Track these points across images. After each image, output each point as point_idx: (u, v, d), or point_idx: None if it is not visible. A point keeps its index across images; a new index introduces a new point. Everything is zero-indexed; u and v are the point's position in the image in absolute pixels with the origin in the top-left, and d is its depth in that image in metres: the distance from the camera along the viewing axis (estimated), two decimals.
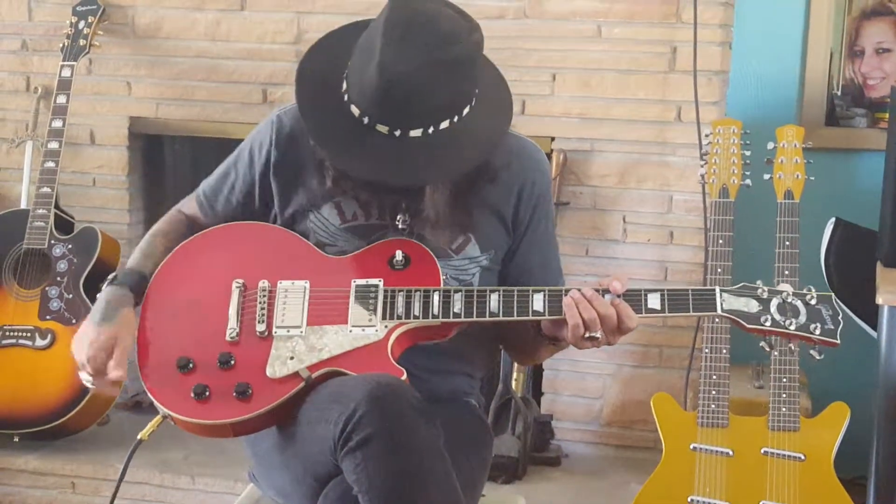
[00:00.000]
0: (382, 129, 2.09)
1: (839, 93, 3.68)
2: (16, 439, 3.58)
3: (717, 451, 3.02)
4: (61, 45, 3.80)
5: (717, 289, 2.10)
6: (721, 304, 2.09)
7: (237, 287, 2.25)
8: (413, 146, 2.10)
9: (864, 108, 3.67)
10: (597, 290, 2.10)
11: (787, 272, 2.98)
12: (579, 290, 2.10)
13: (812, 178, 3.07)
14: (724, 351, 3.03)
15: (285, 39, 3.77)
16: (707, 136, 3.17)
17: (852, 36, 3.66)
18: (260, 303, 2.22)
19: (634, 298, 2.10)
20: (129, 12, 3.87)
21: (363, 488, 1.95)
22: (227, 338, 2.21)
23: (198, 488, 3.46)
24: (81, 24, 3.79)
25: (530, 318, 2.13)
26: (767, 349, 2.16)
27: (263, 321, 2.20)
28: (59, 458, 3.59)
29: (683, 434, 3.05)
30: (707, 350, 3.04)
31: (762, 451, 3.00)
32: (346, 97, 2.13)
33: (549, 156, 3.58)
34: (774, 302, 2.09)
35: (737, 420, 3.04)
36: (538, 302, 2.12)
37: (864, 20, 3.66)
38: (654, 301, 2.10)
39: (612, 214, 3.62)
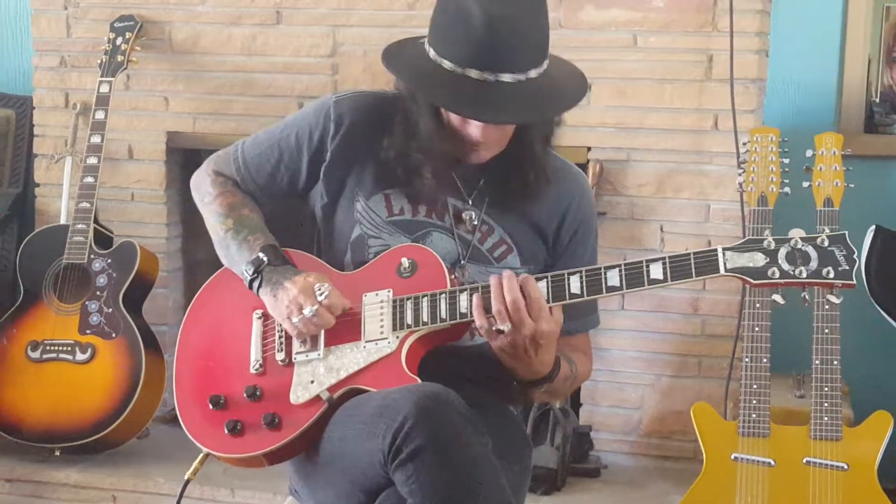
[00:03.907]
0: (473, 73, 2.06)
1: (878, 100, 3.65)
2: (57, 453, 3.60)
3: (758, 461, 3.00)
4: (99, 61, 3.83)
5: (720, 248, 2.00)
6: (724, 264, 1.99)
7: (258, 318, 2.28)
8: (505, 91, 2.06)
9: None
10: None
11: None
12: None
13: (851, 186, 3.05)
14: (765, 360, 3.00)
15: (321, 53, 3.78)
16: (745, 144, 3.15)
17: (890, 43, 3.64)
18: (278, 331, 2.24)
19: (636, 270, 2.03)
20: (166, 28, 3.90)
21: (417, 500, 1.95)
22: (252, 370, 2.24)
23: (237, 501, 3.47)
24: (119, 41, 3.83)
25: None
26: (781, 302, 2.01)
27: (282, 349, 2.23)
28: (100, 471, 3.60)
29: (724, 444, 3.02)
30: (747, 359, 3.02)
31: (804, 460, 2.97)
32: (437, 58, 2.10)
33: (585, 166, 3.58)
34: (783, 251, 1.97)
35: (778, 430, 3.01)
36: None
37: None
38: (656, 271, 2.02)
39: (650, 224, 3.60)
